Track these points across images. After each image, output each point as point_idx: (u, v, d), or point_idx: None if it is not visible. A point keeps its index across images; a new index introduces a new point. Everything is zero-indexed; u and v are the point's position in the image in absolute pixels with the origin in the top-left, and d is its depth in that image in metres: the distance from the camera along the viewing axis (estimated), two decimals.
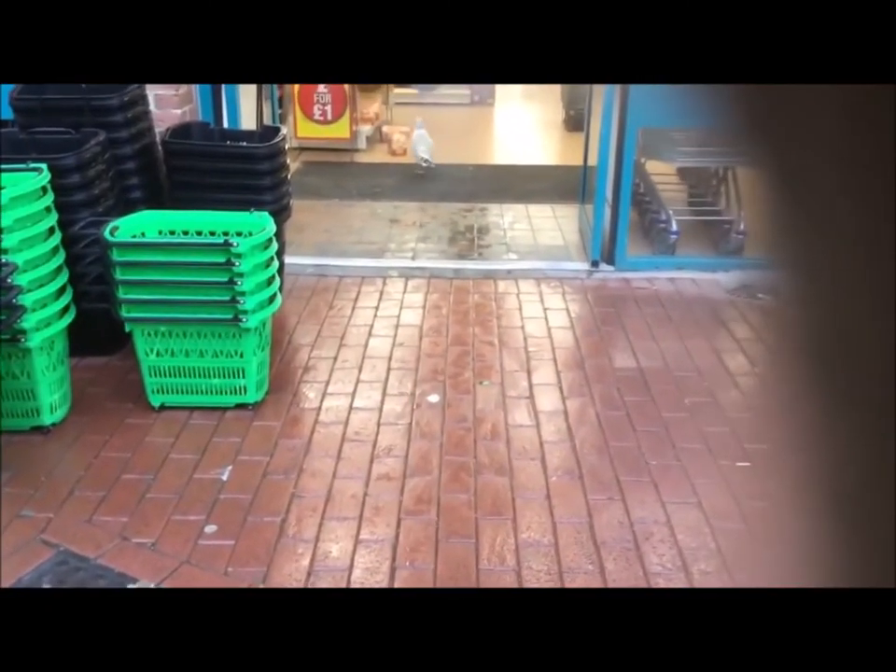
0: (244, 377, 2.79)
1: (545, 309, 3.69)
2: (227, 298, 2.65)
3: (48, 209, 2.65)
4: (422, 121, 5.65)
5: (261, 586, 2.08)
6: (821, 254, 0.21)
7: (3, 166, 2.69)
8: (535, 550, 2.22)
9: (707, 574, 2.12)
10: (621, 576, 2.12)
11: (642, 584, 2.09)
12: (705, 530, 2.29)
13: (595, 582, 2.10)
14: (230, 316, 2.67)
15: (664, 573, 2.13)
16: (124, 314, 2.69)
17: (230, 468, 2.55)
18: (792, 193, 0.21)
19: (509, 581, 2.10)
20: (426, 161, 5.46)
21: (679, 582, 2.09)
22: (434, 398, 2.96)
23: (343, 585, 2.09)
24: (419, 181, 5.44)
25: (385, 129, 6.53)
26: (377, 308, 3.67)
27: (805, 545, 0.24)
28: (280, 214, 3.19)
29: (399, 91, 7.27)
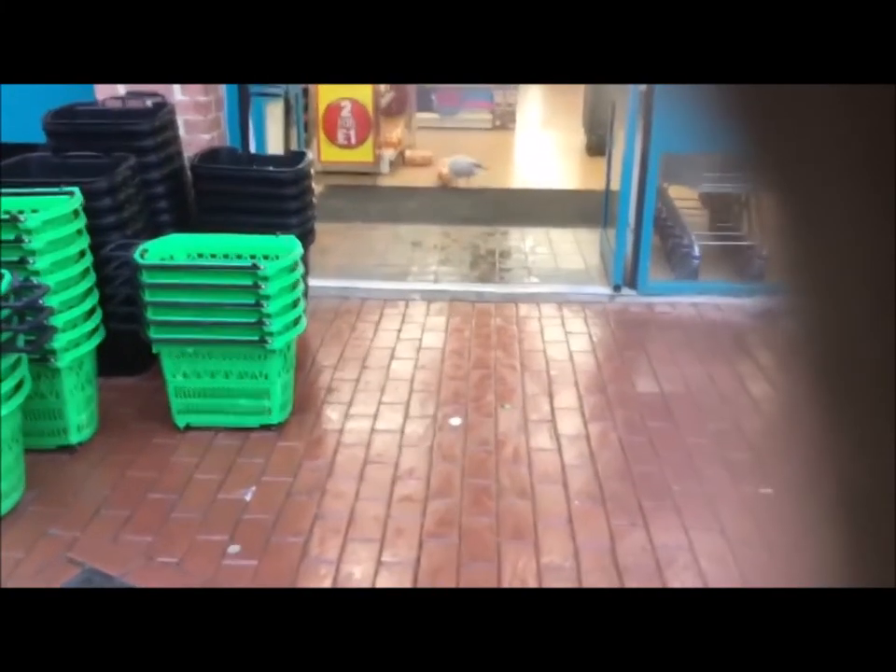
0: (268, 398, 2.81)
1: (567, 333, 3.69)
2: (253, 320, 2.68)
3: (79, 232, 2.70)
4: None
5: None
6: (824, 267, 0.21)
7: (36, 189, 2.75)
8: (557, 574, 2.21)
9: None
10: None
11: None
12: (727, 557, 2.27)
13: None
14: (256, 338, 2.70)
15: None
16: (152, 335, 2.73)
17: (253, 488, 2.57)
18: (801, 211, 0.22)
19: None
20: (477, 165, 5.69)
21: None
22: (456, 420, 2.97)
23: None
24: (443, 204, 5.49)
25: (407, 153, 6.60)
26: (399, 331, 3.69)
27: (810, 548, 0.25)
28: (305, 237, 3.23)
29: (421, 116, 7.35)
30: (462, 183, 5.81)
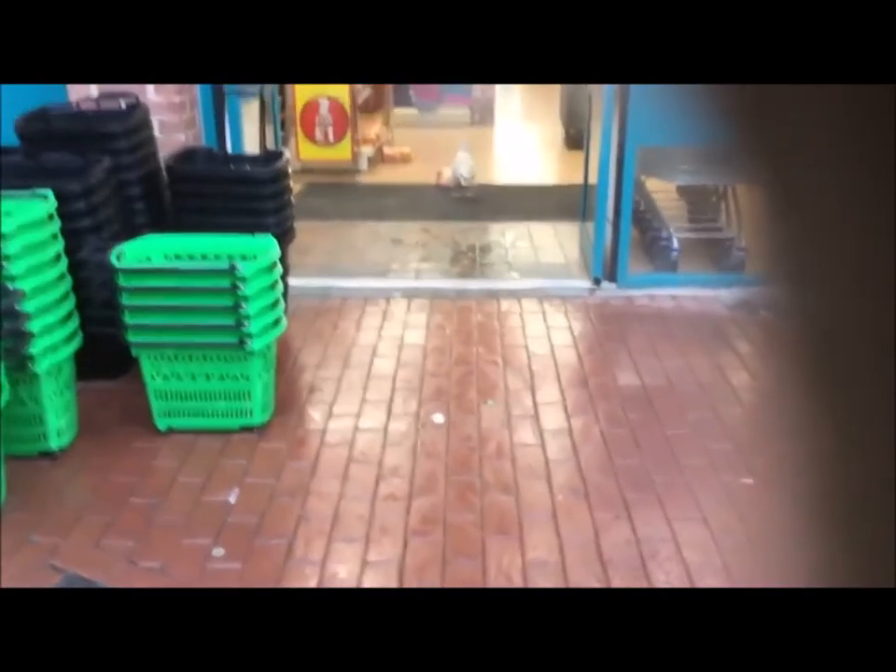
0: (249, 400, 2.80)
1: (548, 327, 3.70)
2: (232, 322, 2.67)
3: (54, 236, 2.67)
4: (467, 143, 5.64)
5: None
6: (819, 268, 0.21)
7: (9, 193, 2.72)
8: (542, 569, 2.22)
9: None
10: None
11: None
12: (710, 546, 2.29)
13: None
14: (235, 340, 2.69)
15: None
16: (131, 338, 2.71)
17: (237, 490, 2.56)
18: (790, 206, 0.21)
19: None
20: (465, 178, 5.49)
21: None
22: (439, 417, 2.97)
23: None
24: (422, 201, 5.48)
25: (386, 150, 6.59)
26: (381, 328, 3.69)
27: (805, 548, 0.24)
28: (284, 236, 3.22)
29: (399, 112, 7.33)
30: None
